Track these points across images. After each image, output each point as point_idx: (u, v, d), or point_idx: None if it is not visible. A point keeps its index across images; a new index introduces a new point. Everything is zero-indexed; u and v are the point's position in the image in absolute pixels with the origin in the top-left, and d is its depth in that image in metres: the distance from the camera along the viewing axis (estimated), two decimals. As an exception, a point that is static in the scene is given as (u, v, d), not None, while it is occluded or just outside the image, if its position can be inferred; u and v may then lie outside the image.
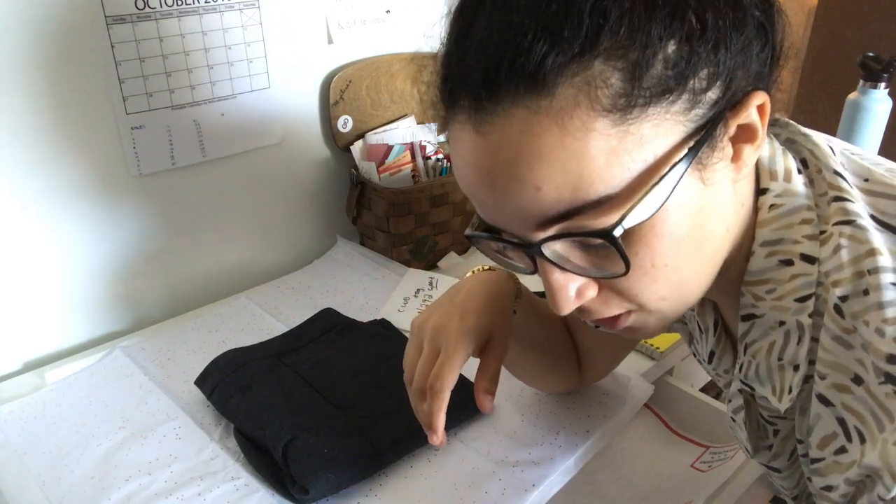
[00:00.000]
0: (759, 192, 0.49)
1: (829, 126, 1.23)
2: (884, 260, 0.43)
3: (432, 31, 0.48)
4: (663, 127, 0.40)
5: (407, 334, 0.98)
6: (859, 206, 0.46)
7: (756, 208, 0.49)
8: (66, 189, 0.95)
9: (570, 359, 0.81)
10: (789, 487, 0.59)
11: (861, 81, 1.18)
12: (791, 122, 0.51)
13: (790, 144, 0.51)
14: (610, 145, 0.39)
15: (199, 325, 1.03)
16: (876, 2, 1.83)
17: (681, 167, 0.41)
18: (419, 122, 1.27)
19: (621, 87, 0.39)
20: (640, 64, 0.39)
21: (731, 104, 0.42)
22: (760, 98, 0.43)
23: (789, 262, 0.47)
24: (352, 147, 1.20)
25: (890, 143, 1.24)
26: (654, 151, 0.40)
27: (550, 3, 0.38)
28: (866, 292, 0.43)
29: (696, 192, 0.43)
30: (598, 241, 0.42)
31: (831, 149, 0.49)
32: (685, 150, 0.41)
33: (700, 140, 0.41)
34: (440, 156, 1.24)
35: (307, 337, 0.96)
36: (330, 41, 1.15)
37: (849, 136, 1.20)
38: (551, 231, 0.43)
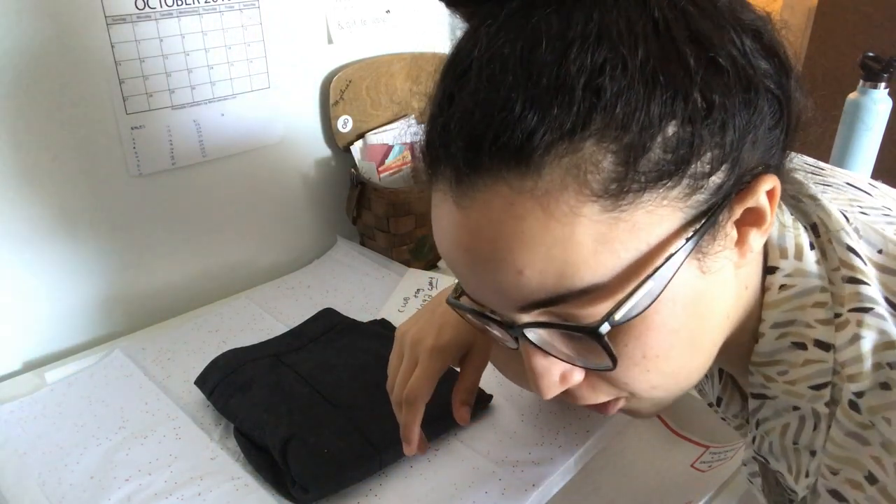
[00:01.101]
0: (768, 270, 0.45)
1: (830, 126, 1.23)
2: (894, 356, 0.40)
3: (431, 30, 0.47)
4: (659, 214, 0.37)
5: (407, 334, 0.98)
6: (874, 290, 0.42)
7: (764, 288, 0.45)
8: (65, 189, 0.95)
9: None
10: None
11: (861, 81, 1.18)
12: (799, 172, 0.47)
13: (796, 203, 0.47)
14: (599, 232, 0.36)
15: (199, 325, 1.03)
16: (876, 2, 1.83)
17: (678, 258, 0.38)
18: (419, 122, 1.27)
19: (614, 171, 0.36)
20: (636, 147, 0.36)
21: (737, 188, 0.39)
22: (770, 182, 0.40)
23: (802, 346, 0.44)
24: (352, 147, 1.20)
25: (890, 143, 1.24)
26: (647, 241, 0.37)
27: (541, 77, 0.35)
28: (886, 386, 0.41)
29: (693, 282, 0.40)
30: (581, 338, 0.40)
31: (844, 216, 0.45)
32: (683, 240, 0.38)
33: (701, 228, 0.38)
34: (440, 156, 1.24)
35: (307, 337, 0.96)
36: (330, 41, 1.15)
37: (849, 136, 1.20)
38: (534, 315, 0.40)
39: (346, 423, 0.78)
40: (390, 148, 1.19)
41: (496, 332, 0.46)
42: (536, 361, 0.42)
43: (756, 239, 0.41)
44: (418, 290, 1.10)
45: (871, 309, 0.42)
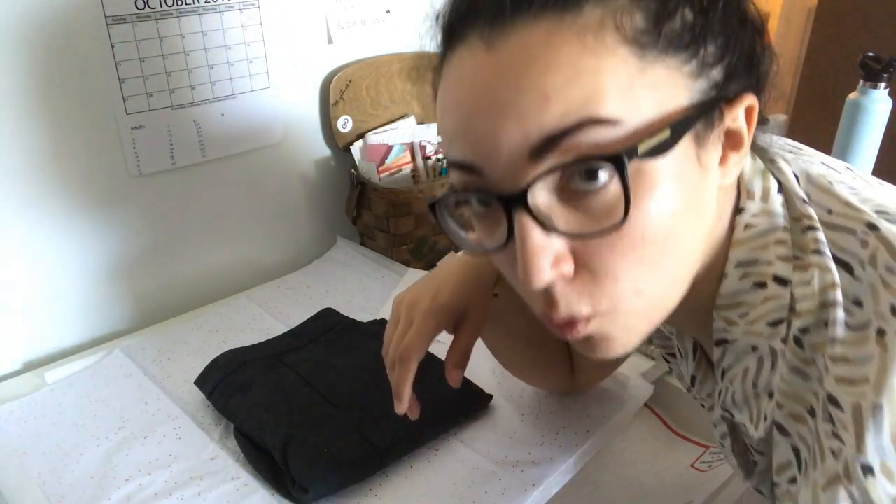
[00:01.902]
0: (737, 211, 0.47)
1: (830, 126, 1.24)
2: (840, 295, 0.43)
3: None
4: (674, 81, 0.40)
5: (407, 334, 0.98)
6: (823, 235, 0.45)
7: (732, 227, 0.47)
8: (65, 189, 0.95)
9: (562, 357, 0.81)
10: None
11: (861, 81, 1.18)
12: (770, 147, 0.50)
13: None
14: (627, 73, 0.39)
15: (199, 325, 1.03)
16: (876, 2, 1.83)
17: (686, 126, 0.40)
18: (419, 122, 1.27)
19: (644, 25, 0.39)
20: (663, 12, 0.40)
21: (726, 96, 0.43)
22: (751, 100, 0.44)
23: (763, 285, 0.46)
24: (352, 147, 1.20)
25: (890, 143, 1.24)
26: (662, 101, 0.40)
27: None
28: (826, 325, 0.43)
29: (692, 171, 0.42)
30: (589, 186, 0.39)
31: (796, 177, 0.48)
32: (690, 114, 0.41)
33: (702, 112, 0.41)
34: (440, 156, 1.24)
35: (307, 337, 0.96)
36: (330, 41, 1.15)
37: (849, 136, 1.20)
38: (547, 163, 0.39)
39: (346, 423, 0.78)
40: (390, 148, 1.19)
41: (483, 228, 0.45)
42: (532, 237, 0.40)
43: (735, 162, 0.45)
44: (418, 290, 1.10)
45: (824, 252, 0.44)
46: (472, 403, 0.84)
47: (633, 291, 0.42)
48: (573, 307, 0.43)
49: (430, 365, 0.90)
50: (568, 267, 0.42)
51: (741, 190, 0.48)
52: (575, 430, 0.81)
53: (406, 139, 1.22)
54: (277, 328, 1.01)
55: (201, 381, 0.87)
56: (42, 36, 0.87)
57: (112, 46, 0.92)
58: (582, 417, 0.83)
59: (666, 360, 0.70)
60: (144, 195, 1.02)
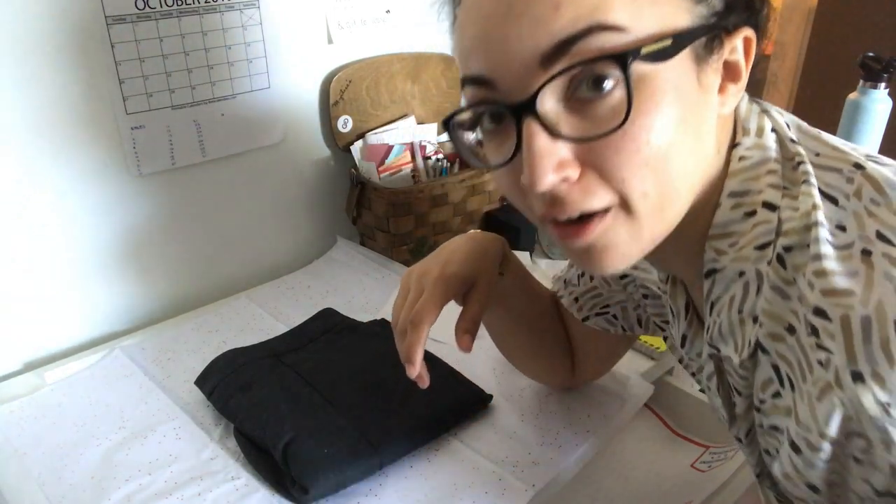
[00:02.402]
0: (732, 146, 0.50)
1: (830, 126, 1.23)
2: (822, 216, 0.45)
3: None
4: (676, 2, 0.43)
5: (407, 334, 0.98)
6: (812, 169, 0.48)
7: (728, 161, 0.50)
8: (65, 189, 0.95)
9: (561, 347, 0.82)
10: (752, 463, 0.59)
11: (861, 81, 1.18)
12: (763, 102, 0.53)
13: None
14: None
15: (199, 325, 1.03)
16: (876, 2, 1.83)
17: (689, 41, 0.43)
18: (419, 122, 1.27)
19: None
20: None
21: (725, 26, 0.45)
22: (748, 32, 0.46)
23: (753, 213, 0.48)
24: (352, 147, 1.20)
25: (890, 143, 1.24)
26: (665, 17, 0.42)
27: None
28: (808, 245, 0.45)
29: (692, 85, 0.44)
30: (595, 93, 0.42)
31: (787, 126, 0.51)
32: (690, 32, 0.43)
33: (701, 33, 0.44)
34: (440, 156, 1.24)
35: (307, 337, 0.96)
36: (330, 41, 1.15)
37: (849, 137, 1.20)
38: (558, 66, 0.42)
39: (346, 423, 0.78)
40: (390, 148, 1.19)
41: (493, 142, 0.48)
42: (539, 141, 0.43)
43: (733, 93, 0.47)
44: (418, 290, 1.10)
45: (811, 181, 0.47)
46: (472, 403, 0.84)
47: (641, 193, 0.44)
48: (583, 204, 0.44)
49: (430, 365, 0.91)
50: (573, 172, 0.44)
51: (737, 127, 0.50)
52: (575, 430, 0.81)
53: (406, 139, 1.22)
54: (277, 328, 1.01)
55: (201, 381, 0.87)
56: (42, 36, 0.87)
57: (112, 46, 0.92)
58: (582, 417, 0.83)
59: (661, 328, 0.71)
60: (144, 195, 1.02)
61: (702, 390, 0.65)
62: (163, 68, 0.98)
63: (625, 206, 0.45)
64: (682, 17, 0.43)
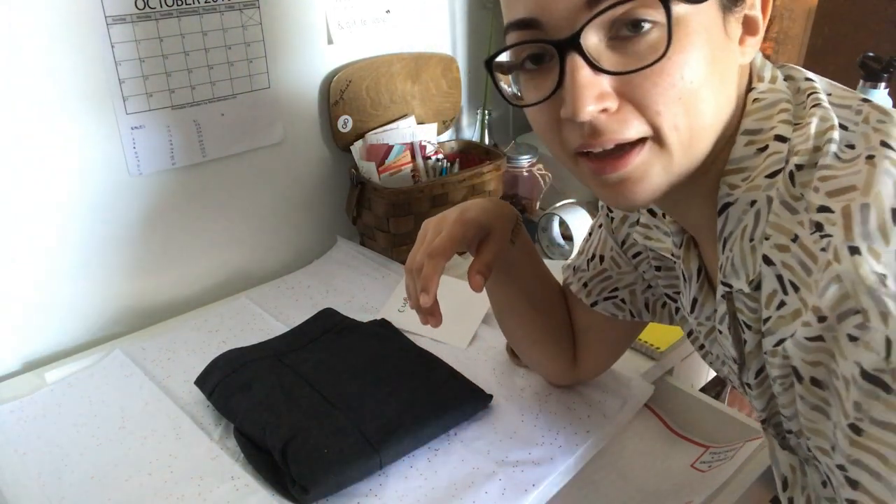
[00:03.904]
0: (748, 90, 0.54)
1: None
2: (836, 135, 0.48)
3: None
4: None
5: (407, 334, 0.98)
6: (823, 104, 0.51)
7: (744, 105, 0.53)
8: (65, 189, 0.95)
9: (564, 334, 0.82)
10: (759, 409, 0.60)
11: (861, 81, 1.18)
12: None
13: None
14: None
15: (199, 325, 1.03)
16: (876, 2, 1.84)
17: None
18: (419, 122, 1.27)
19: None
20: None
21: None
22: None
23: (765, 148, 0.51)
24: (352, 147, 1.20)
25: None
26: None
27: None
28: (817, 167, 0.48)
29: (720, 32, 0.48)
30: (635, 32, 0.46)
31: (801, 72, 0.55)
32: None
33: None
34: (440, 156, 1.24)
35: (307, 337, 0.96)
36: (330, 41, 1.15)
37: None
38: (603, 3, 0.45)
39: (346, 423, 0.78)
40: (390, 148, 1.19)
41: (535, 79, 0.50)
42: (582, 74, 0.46)
43: (751, 45, 0.51)
44: (418, 290, 1.10)
45: (823, 105, 0.50)
46: (472, 403, 0.84)
47: (673, 126, 0.48)
48: (619, 134, 0.48)
49: (430, 365, 0.91)
50: (612, 103, 0.47)
51: (752, 75, 0.54)
52: (575, 430, 0.81)
53: (406, 139, 1.22)
54: (277, 328, 1.01)
55: (201, 381, 0.87)
56: (42, 36, 0.87)
57: (112, 46, 0.92)
58: (582, 417, 0.83)
59: (672, 299, 0.73)
60: (144, 195, 1.02)
61: (710, 363, 0.66)
62: (163, 68, 0.98)
63: (657, 138, 0.48)
64: None
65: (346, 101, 1.18)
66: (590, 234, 0.80)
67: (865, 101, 0.49)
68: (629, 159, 0.49)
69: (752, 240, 0.51)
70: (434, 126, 1.27)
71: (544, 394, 0.88)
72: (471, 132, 1.45)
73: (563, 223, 1.21)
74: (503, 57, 0.52)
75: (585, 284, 0.78)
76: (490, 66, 0.52)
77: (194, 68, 1.00)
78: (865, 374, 0.42)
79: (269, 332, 1.00)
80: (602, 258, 0.76)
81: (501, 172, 1.23)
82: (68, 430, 0.82)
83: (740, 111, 0.53)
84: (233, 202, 1.13)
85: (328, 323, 0.99)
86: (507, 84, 0.53)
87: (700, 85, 0.47)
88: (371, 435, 0.77)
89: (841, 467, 0.46)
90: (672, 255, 0.66)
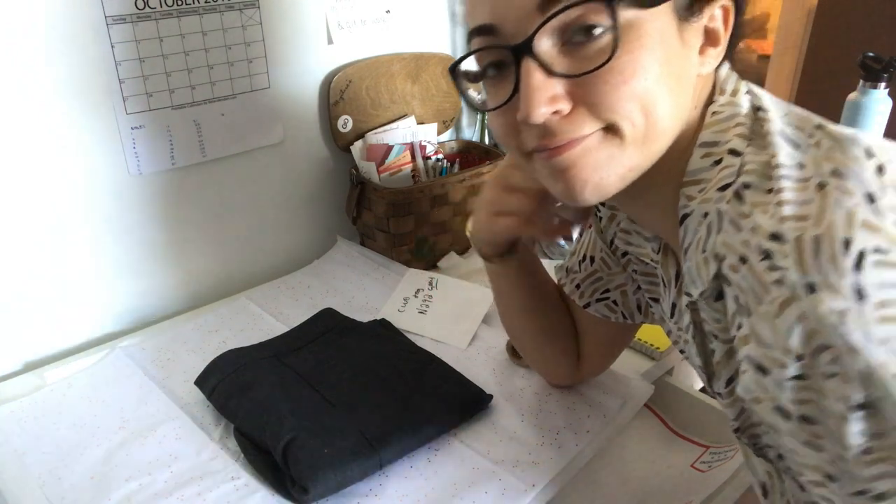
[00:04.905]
0: (709, 103, 0.55)
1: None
2: (781, 158, 0.49)
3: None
4: None
5: (407, 334, 0.98)
6: (777, 124, 0.52)
7: (703, 117, 0.54)
8: (65, 189, 0.95)
9: (568, 335, 0.82)
10: (731, 417, 0.60)
11: (861, 81, 1.18)
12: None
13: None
14: None
15: (199, 325, 1.03)
16: (876, 2, 1.83)
17: None
18: (419, 122, 1.27)
19: None
20: None
21: None
22: (726, 2, 0.52)
23: (720, 161, 0.52)
24: (352, 147, 1.20)
25: (890, 143, 1.24)
26: None
27: None
28: (768, 187, 0.48)
29: (674, 39, 0.50)
30: (587, 38, 0.47)
31: (763, 96, 0.55)
32: None
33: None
34: (440, 156, 1.24)
35: (307, 337, 0.96)
36: (330, 41, 1.15)
37: (849, 136, 1.20)
38: (553, 7, 0.47)
39: (346, 423, 0.78)
40: (390, 148, 1.19)
41: (492, 83, 0.53)
42: (535, 77, 0.48)
43: (712, 55, 0.53)
44: (418, 290, 1.10)
45: (774, 133, 0.51)
46: (472, 403, 0.84)
47: (629, 121, 0.49)
48: (572, 133, 0.50)
49: (430, 365, 0.91)
50: (564, 105, 0.49)
51: (716, 87, 0.55)
52: (575, 430, 0.81)
53: (406, 139, 1.22)
54: (277, 328, 1.01)
55: (201, 381, 0.87)
56: (42, 36, 0.87)
57: (112, 46, 0.92)
58: (582, 417, 0.83)
59: (651, 303, 0.73)
60: (144, 195, 1.02)
61: (687, 358, 0.67)
62: (163, 68, 0.98)
63: (611, 129, 0.50)
64: None
65: (346, 101, 1.18)
66: (580, 234, 0.80)
67: (819, 127, 0.50)
68: (578, 142, 0.50)
69: (704, 251, 0.52)
70: (434, 126, 1.27)
71: (544, 394, 0.88)
72: (471, 132, 1.45)
73: (563, 223, 1.21)
74: (470, 65, 0.54)
75: (578, 286, 0.79)
76: (454, 72, 0.54)
77: (194, 68, 1.00)
78: (853, 407, 0.44)
79: (269, 332, 1.00)
80: (593, 259, 0.77)
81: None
82: (68, 430, 0.82)
83: (699, 122, 0.54)
84: (233, 202, 1.13)
85: (328, 323, 0.99)
86: (476, 91, 0.55)
87: (653, 84, 0.49)
88: (371, 435, 0.77)
89: (862, 492, 0.46)
90: (652, 260, 0.67)
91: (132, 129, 0.98)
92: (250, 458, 0.77)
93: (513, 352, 0.93)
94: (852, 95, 1.19)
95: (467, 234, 0.77)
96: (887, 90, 1.17)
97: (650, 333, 0.95)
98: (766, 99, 0.54)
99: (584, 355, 0.84)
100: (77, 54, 0.90)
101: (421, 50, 1.26)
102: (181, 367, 0.93)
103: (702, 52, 0.52)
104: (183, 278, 1.11)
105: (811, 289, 0.43)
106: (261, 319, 1.05)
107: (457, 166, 1.25)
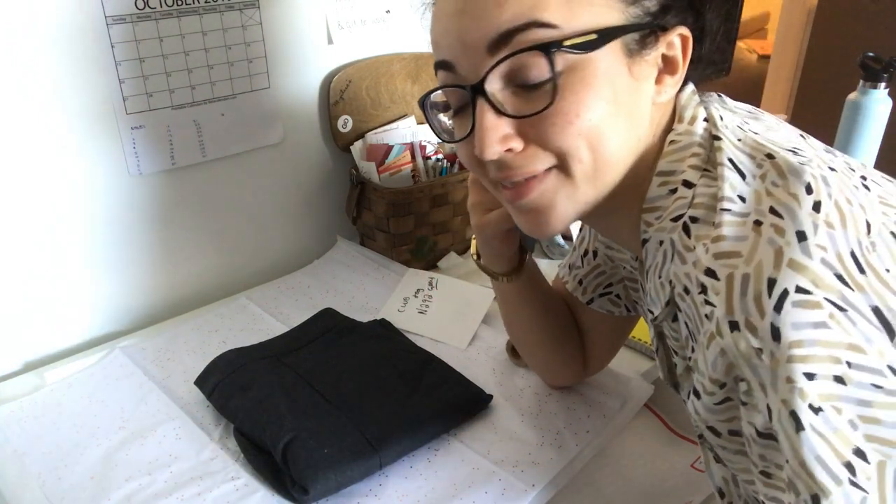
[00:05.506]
0: (668, 130, 0.56)
1: (830, 126, 1.24)
2: (726, 191, 0.50)
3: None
4: (609, 4, 0.50)
5: (407, 334, 0.98)
6: (729, 152, 0.53)
7: (662, 145, 0.56)
8: (66, 189, 0.95)
9: (573, 337, 0.83)
10: (694, 423, 0.62)
11: (861, 81, 1.18)
12: (713, 95, 0.60)
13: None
14: None
15: (199, 325, 1.03)
16: (876, 2, 1.84)
17: (615, 35, 0.50)
18: (419, 123, 1.27)
19: None
20: None
21: (661, 25, 0.52)
22: (683, 31, 0.53)
23: (675, 190, 0.54)
24: (352, 147, 1.20)
25: (890, 144, 1.24)
26: (597, 16, 0.50)
27: None
28: (714, 224, 0.50)
29: (623, 75, 0.51)
30: (533, 83, 0.50)
31: (721, 118, 0.56)
32: (620, 29, 0.50)
33: (631, 31, 0.51)
34: (440, 156, 1.24)
35: (307, 337, 0.96)
36: (330, 41, 1.15)
37: (849, 136, 1.20)
38: (501, 53, 0.50)
39: (346, 423, 0.78)
40: (390, 148, 1.19)
41: (455, 119, 0.57)
42: (487, 118, 0.51)
43: (669, 84, 0.54)
44: (418, 290, 1.10)
45: (725, 164, 0.52)
46: (472, 403, 0.84)
47: (577, 159, 0.52)
48: (526, 168, 0.53)
49: (430, 365, 0.91)
50: (517, 144, 0.52)
51: (675, 115, 0.57)
52: (575, 430, 0.82)
53: (406, 139, 1.22)
54: (277, 328, 1.01)
55: (201, 381, 0.87)
56: (42, 36, 0.87)
57: (112, 46, 0.92)
58: (582, 417, 0.83)
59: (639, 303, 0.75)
60: (144, 195, 1.02)
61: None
62: (163, 68, 0.98)
63: (562, 168, 0.53)
64: (614, 16, 0.50)
65: (346, 101, 1.18)
66: (580, 231, 0.81)
67: (770, 157, 0.50)
68: (534, 185, 0.54)
69: (660, 276, 0.55)
70: (434, 126, 1.27)
71: (544, 394, 0.88)
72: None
73: (563, 223, 1.21)
74: (439, 97, 0.58)
75: (581, 282, 0.79)
76: (423, 105, 0.58)
77: (194, 68, 1.00)
78: (759, 433, 0.47)
79: (269, 332, 1.00)
80: (595, 253, 0.77)
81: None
82: (68, 430, 0.82)
83: (658, 149, 0.56)
84: (233, 202, 1.13)
85: (328, 323, 0.99)
86: (447, 118, 0.59)
87: (600, 122, 0.51)
88: (371, 435, 0.77)
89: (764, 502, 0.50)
90: (631, 266, 0.69)
91: (132, 129, 0.98)
92: (250, 458, 0.77)
93: (513, 352, 0.93)
94: (852, 95, 1.19)
95: (472, 257, 0.80)
96: (887, 90, 1.17)
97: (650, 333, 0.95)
98: (723, 124, 0.55)
99: (588, 355, 0.84)
100: (77, 54, 0.90)
101: (421, 50, 1.26)
102: (181, 367, 0.93)
103: (658, 80, 0.54)
104: (183, 278, 1.11)
105: (734, 326, 0.46)
106: (261, 319, 1.05)
107: (457, 166, 1.25)
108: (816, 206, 0.46)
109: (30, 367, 0.98)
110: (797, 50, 2.10)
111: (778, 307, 0.44)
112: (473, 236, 0.80)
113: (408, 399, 0.83)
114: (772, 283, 0.44)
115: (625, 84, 0.52)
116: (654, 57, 0.53)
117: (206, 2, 0.98)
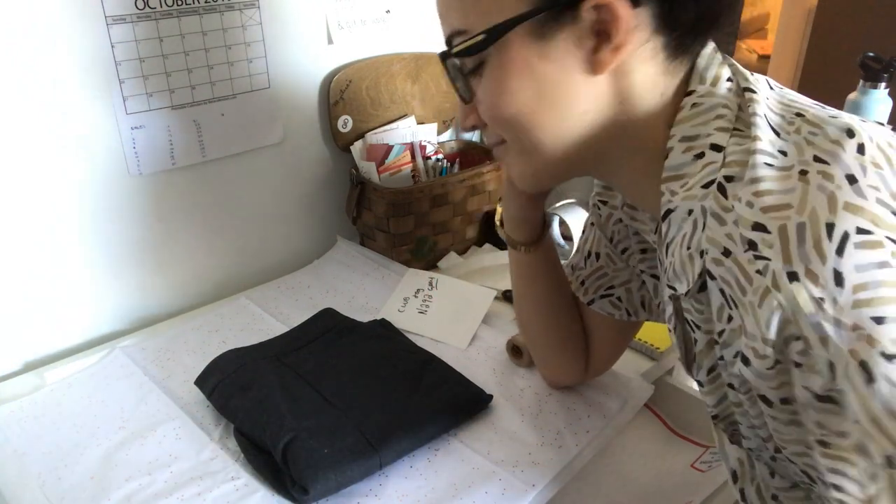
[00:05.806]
0: (687, 93, 0.55)
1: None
2: (762, 145, 0.49)
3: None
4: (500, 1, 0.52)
5: (407, 334, 0.98)
6: (762, 107, 0.52)
7: (679, 108, 0.54)
8: (66, 189, 0.95)
9: (578, 334, 0.83)
10: (711, 404, 0.61)
11: (861, 81, 1.18)
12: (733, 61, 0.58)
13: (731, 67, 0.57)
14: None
15: (199, 325, 1.03)
16: (876, 2, 1.84)
17: (508, 29, 0.52)
18: (419, 122, 1.27)
19: None
20: None
21: (565, 3, 0.51)
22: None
23: (702, 155, 0.52)
24: (352, 147, 1.20)
25: (890, 143, 1.24)
26: (488, 14, 0.52)
27: None
28: (750, 181, 0.48)
29: (532, 60, 0.53)
30: (469, 70, 0.56)
31: (748, 77, 0.54)
32: (511, 22, 0.51)
33: (529, 16, 0.51)
34: (440, 156, 1.24)
35: (307, 337, 0.96)
36: (330, 41, 1.15)
37: (849, 136, 1.20)
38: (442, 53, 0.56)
39: (346, 423, 0.78)
40: (390, 148, 1.19)
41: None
42: (459, 99, 0.59)
43: (606, 55, 0.52)
44: (418, 290, 1.10)
45: (759, 115, 0.50)
46: (472, 403, 0.84)
47: (511, 139, 0.58)
48: (489, 139, 0.62)
49: (430, 365, 0.91)
50: (479, 122, 0.59)
51: (693, 75, 0.55)
52: (575, 430, 0.82)
53: (406, 139, 1.22)
54: (277, 328, 1.01)
55: (201, 381, 0.87)
56: (42, 36, 0.87)
57: (112, 46, 0.92)
58: (582, 417, 0.83)
59: (656, 277, 0.74)
60: (144, 195, 1.02)
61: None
62: (163, 68, 0.98)
63: (511, 144, 0.59)
64: (509, 10, 0.52)
65: (346, 101, 1.17)
66: (584, 232, 0.81)
67: (799, 115, 0.50)
68: (498, 149, 0.61)
69: (689, 248, 0.52)
70: (434, 126, 1.27)
71: (544, 394, 0.88)
72: (471, 132, 1.45)
73: (563, 223, 1.21)
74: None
75: (583, 283, 0.80)
76: (444, 62, 0.60)
77: (194, 68, 1.00)
78: (818, 397, 0.44)
79: (269, 332, 1.00)
80: (598, 255, 0.78)
81: (501, 172, 1.23)
82: (68, 430, 0.82)
83: (668, 116, 0.55)
84: (233, 202, 1.13)
85: (328, 323, 0.99)
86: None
87: (519, 109, 0.54)
88: (371, 435, 0.77)
89: (821, 474, 0.47)
90: (650, 238, 0.69)
91: (132, 129, 0.98)
92: (250, 458, 0.77)
93: (513, 352, 0.93)
94: (852, 95, 1.19)
95: (496, 226, 0.85)
96: (887, 90, 1.17)
97: (650, 333, 0.95)
98: (754, 79, 0.54)
99: (590, 357, 0.84)
100: (77, 54, 0.90)
101: (421, 50, 1.26)
102: (181, 367, 0.93)
103: (596, 50, 0.52)
104: (183, 278, 1.11)
105: (793, 277, 0.44)
106: (261, 319, 1.05)
107: (457, 166, 1.25)
108: (860, 149, 0.45)
109: (30, 367, 0.98)
110: (797, 50, 2.10)
111: (840, 250, 0.42)
112: (500, 201, 0.82)
113: (408, 399, 0.83)
114: (830, 227, 0.43)
115: (540, 69, 0.53)
116: (577, 34, 0.51)
117: (206, 2, 0.98)
